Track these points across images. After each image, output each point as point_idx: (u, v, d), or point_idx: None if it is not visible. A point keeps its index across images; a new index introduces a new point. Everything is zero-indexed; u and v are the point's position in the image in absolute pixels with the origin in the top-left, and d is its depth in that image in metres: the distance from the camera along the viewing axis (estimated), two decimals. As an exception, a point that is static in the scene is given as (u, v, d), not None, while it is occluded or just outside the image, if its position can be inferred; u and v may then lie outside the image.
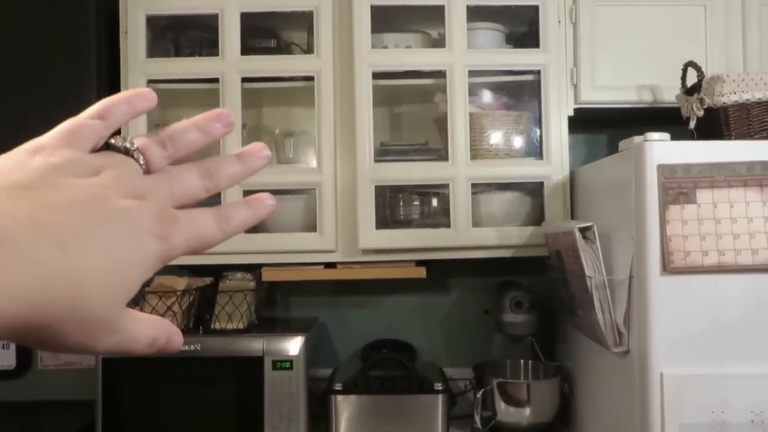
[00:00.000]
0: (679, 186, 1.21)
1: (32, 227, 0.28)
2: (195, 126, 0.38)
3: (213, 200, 0.36)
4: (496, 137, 1.68)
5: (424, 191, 1.73)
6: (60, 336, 0.29)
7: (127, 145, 0.35)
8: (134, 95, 0.38)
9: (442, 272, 1.94)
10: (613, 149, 1.97)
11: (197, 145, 0.38)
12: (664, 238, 1.20)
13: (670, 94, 1.62)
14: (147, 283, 1.68)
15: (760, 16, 1.67)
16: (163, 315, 1.57)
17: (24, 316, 0.28)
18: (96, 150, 0.35)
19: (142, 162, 0.35)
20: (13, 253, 0.27)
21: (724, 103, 1.38)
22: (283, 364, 1.52)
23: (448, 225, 1.63)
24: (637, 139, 1.28)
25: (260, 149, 0.40)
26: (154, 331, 0.34)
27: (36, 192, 0.30)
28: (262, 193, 0.39)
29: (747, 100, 1.38)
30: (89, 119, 0.35)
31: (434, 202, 1.73)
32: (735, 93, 1.38)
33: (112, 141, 0.35)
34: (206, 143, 0.38)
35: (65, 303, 0.29)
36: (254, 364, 1.51)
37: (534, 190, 1.68)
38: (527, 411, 1.57)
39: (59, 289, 0.28)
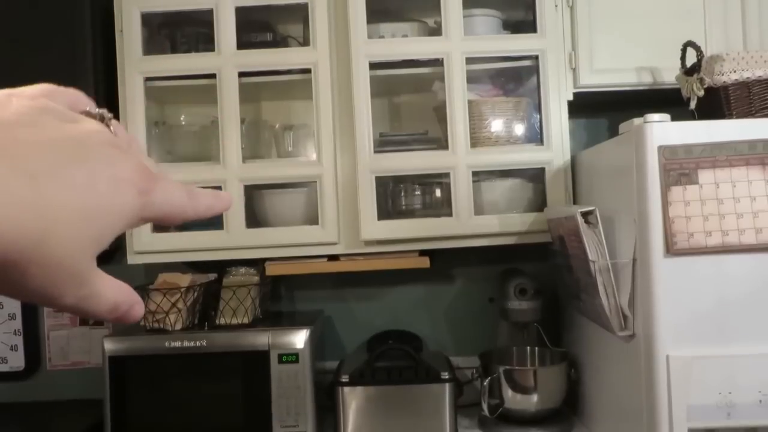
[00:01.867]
0: (681, 167, 1.21)
1: (3, 156, 0.27)
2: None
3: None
4: (495, 124, 1.67)
5: (425, 181, 1.73)
6: (23, 276, 0.28)
7: (105, 116, 0.34)
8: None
9: (445, 262, 1.94)
10: (613, 133, 1.95)
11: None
12: (666, 220, 1.20)
13: (669, 75, 1.60)
14: (150, 281, 1.68)
15: (760, -7, 1.66)
16: (167, 312, 1.57)
17: None
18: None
19: (115, 133, 0.34)
20: None
21: (724, 82, 1.37)
22: (289, 357, 1.52)
23: (450, 214, 1.62)
24: (637, 120, 1.27)
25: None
26: (119, 295, 0.33)
27: (14, 128, 0.29)
28: (227, 194, 0.40)
29: (747, 78, 1.36)
30: (58, 86, 0.35)
31: (436, 191, 1.72)
32: (735, 71, 1.37)
33: (88, 109, 0.34)
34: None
35: (31, 238, 0.27)
36: (260, 358, 1.52)
37: (535, 176, 1.68)
38: (534, 397, 1.56)
39: (25, 222, 0.27)
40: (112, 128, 0.34)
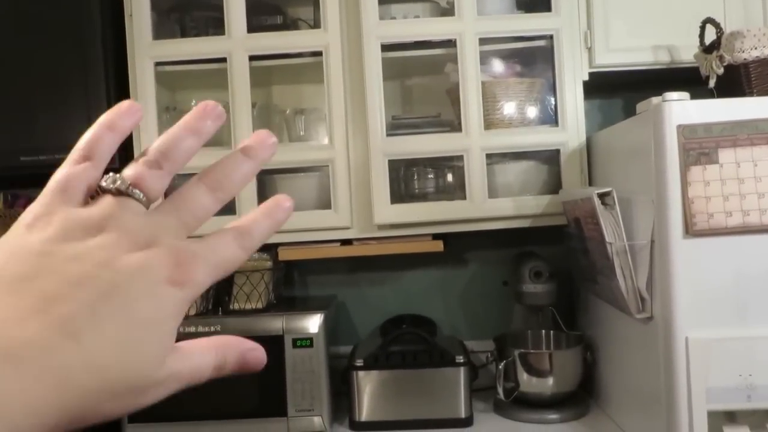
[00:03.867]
0: (700, 146, 1.18)
1: (43, 329, 0.27)
2: (185, 131, 0.35)
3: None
4: (509, 106, 1.65)
5: (438, 164, 1.71)
6: (100, 415, 0.29)
7: (119, 185, 0.32)
8: (115, 116, 0.35)
9: (459, 245, 1.93)
10: (629, 113, 1.92)
11: (194, 151, 0.35)
12: (685, 201, 1.18)
13: (687, 53, 1.57)
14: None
15: (780, -33, 1.61)
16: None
17: (56, 423, 0.27)
18: (92, 193, 0.33)
19: (140, 197, 0.32)
20: (31, 366, 0.26)
21: (744, 59, 1.34)
22: (304, 342, 1.52)
23: (463, 197, 1.61)
24: (655, 99, 1.24)
25: (266, 138, 0.37)
26: (215, 357, 0.33)
27: (37, 282, 0.28)
28: (278, 196, 0.36)
29: (769, 55, 1.33)
30: (75, 165, 0.33)
31: (449, 174, 1.71)
32: (756, 48, 1.33)
33: (103, 184, 0.32)
34: (202, 144, 0.35)
35: (93, 394, 0.28)
36: (275, 342, 1.51)
37: (550, 158, 1.65)
38: (550, 381, 1.56)
39: (84, 384, 0.27)
40: (134, 193, 0.32)
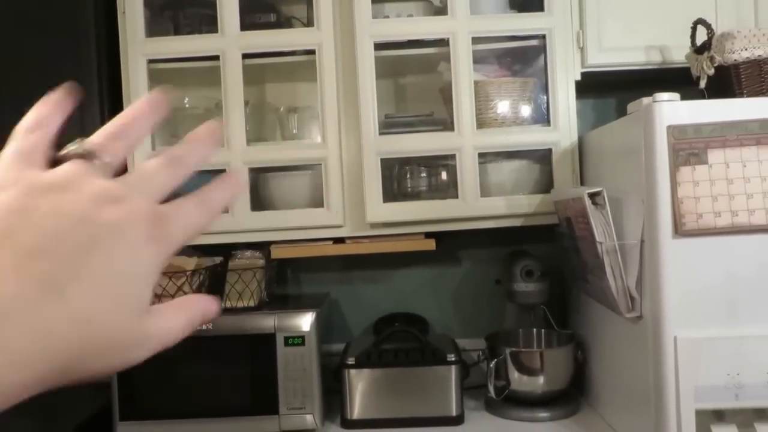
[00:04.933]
0: (690, 147, 1.19)
1: (24, 284, 0.27)
2: (137, 114, 0.37)
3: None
4: (502, 105, 1.65)
5: (431, 163, 1.72)
6: (86, 371, 0.29)
7: (85, 148, 0.33)
8: (61, 95, 0.37)
9: (452, 244, 1.93)
10: (621, 113, 1.92)
11: (146, 133, 0.37)
12: (675, 201, 1.18)
13: (679, 53, 1.58)
14: (157, 265, 1.68)
15: (772, -32, 1.62)
16: (173, 296, 1.57)
17: (42, 376, 0.27)
18: (53, 162, 0.33)
19: (105, 159, 0.34)
20: (16, 320, 0.26)
21: (735, 60, 1.35)
22: (295, 340, 1.52)
23: (456, 196, 1.61)
24: (646, 100, 1.25)
25: (211, 131, 0.39)
26: (185, 316, 0.34)
27: (13, 237, 0.28)
28: (232, 171, 0.40)
29: (759, 56, 1.34)
30: (27, 133, 0.34)
31: (442, 173, 1.71)
32: (746, 49, 1.34)
33: (66, 151, 0.34)
34: (152, 130, 0.38)
35: (79, 346, 0.28)
36: (266, 341, 1.52)
37: (542, 157, 1.66)
38: (541, 379, 1.56)
39: (68, 338, 0.28)
40: (99, 155, 0.33)
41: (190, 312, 0.35)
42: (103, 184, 0.32)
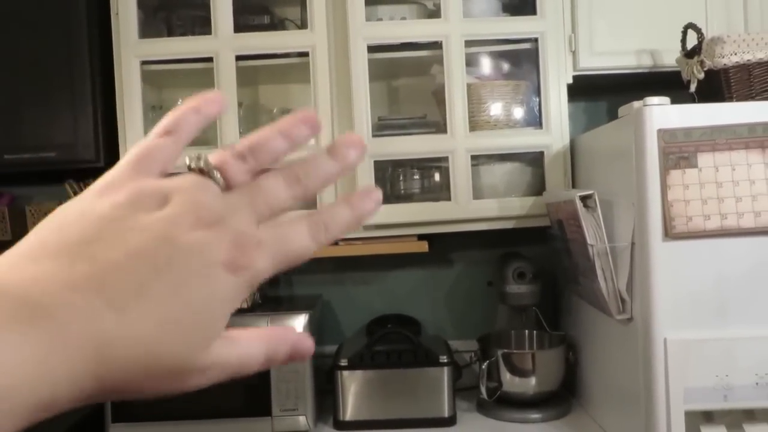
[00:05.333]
0: (680, 150, 1.20)
1: (89, 294, 0.27)
2: (278, 133, 0.34)
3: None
4: (494, 108, 1.66)
5: (423, 165, 1.72)
6: (136, 392, 0.29)
7: (202, 164, 0.32)
8: (202, 102, 0.35)
9: (444, 246, 1.94)
10: (613, 116, 1.94)
11: (282, 155, 0.34)
12: (665, 204, 1.19)
13: (670, 57, 1.59)
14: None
15: (761, -26, 1.64)
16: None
17: (89, 391, 0.27)
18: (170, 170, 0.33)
19: (218, 180, 0.32)
20: (68, 329, 0.26)
21: (724, 64, 1.36)
22: (288, 341, 1.52)
23: (448, 198, 1.62)
24: (637, 104, 1.26)
25: (355, 141, 0.35)
26: (264, 348, 0.32)
27: (96, 246, 0.28)
28: (367, 185, 0.36)
29: (748, 60, 1.35)
30: (157, 138, 0.33)
31: (434, 175, 1.72)
32: (736, 54, 1.35)
33: (186, 161, 0.32)
34: (292, 151, 0.35)
35: (130, 368, 0.27)
36: (259, 342, 1.52)
37: (534, 160, 1.67)
38: (533, 380, 1.57)
39: (121, 358, 0.27)
40: (215, 175, 0.32)
41: (273, 343, 0.33)
42: (204, 202, 0.31)
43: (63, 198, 1.86)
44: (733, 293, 1.20)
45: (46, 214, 1.36)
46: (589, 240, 1.30)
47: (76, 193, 1.86)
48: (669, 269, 1.20)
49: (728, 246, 1.19)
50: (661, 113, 1.21)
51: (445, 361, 1.58)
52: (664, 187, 1.20)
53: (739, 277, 1.19)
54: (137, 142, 0.34)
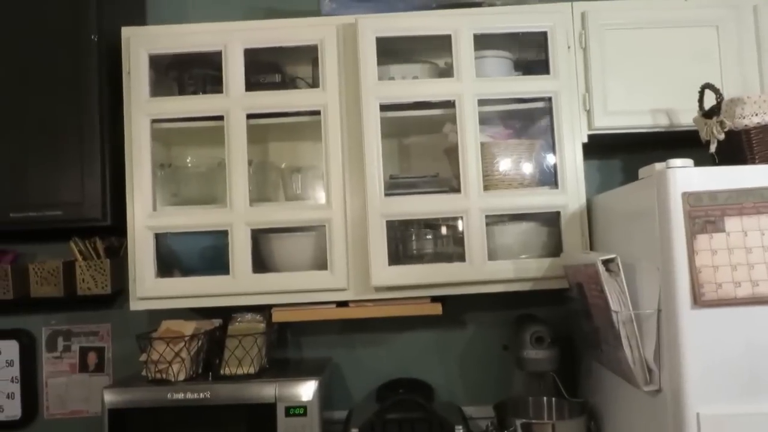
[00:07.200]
0: (706, 214, 1.16)
1: None
2: None
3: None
4: (508, 167, 1.63)
5: (435, 224, 1.69)
6: None
7: None
8: None
9: (456, 307, 1.88)
10: (628, 174, 1.92)
11: None
12: (693, 270, 1.15)
13: (686, 116, 1.57)
14: (155, 329, 1.62)
15: (775, 34, 1.64)
16: (171, 362, 1.51)
17: None
18: None
19: None
20: None
21: (746, 125, 1.34)
22: (297, 410, 1.45)
23: (462, 259, 1.57)
24: (659, 166, 1.23)
25: None
26: None
27: None
28: None
29: (770, 121, 1.33)
30: None
31: (447, 235, 1.68)
32: (757, 114, 1.33)
33: None
34: None
35: None
36: (266, 411, 1.45)
37: (550, 219, 1.63)
38: (553, 452, 1.49)
39: None
40: None
41: None
42: None
43: (67, 255, 1.83)
44: (767, 364, 1.13)
45: (49, 272, 1.32)
46: (613, 306, 1.25)
47: (80, 251, 1.84)
48: (699, 338, 1.14)
49: (761, 314, 1.14)
50: (684, 175, 1.17)
51: (461, 430, 1.51)
52: (691, 252, 1.15)
53: (774, 347, 1.13)
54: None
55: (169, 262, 1.67)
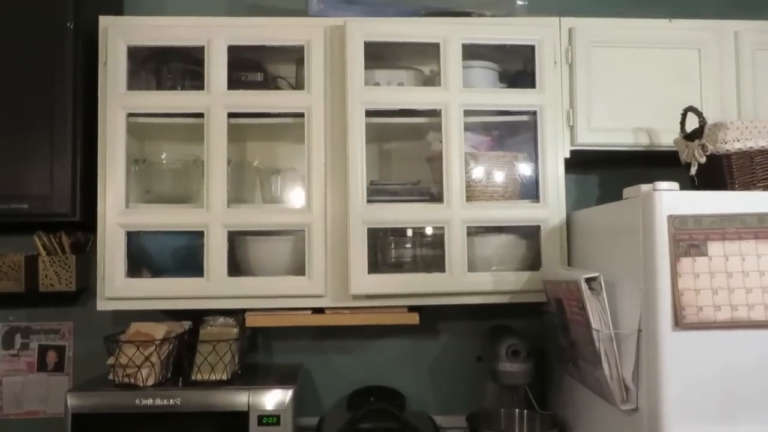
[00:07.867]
0: (690, 237, 1.17)
1: None
2: None
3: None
4: (491, 178, 1.63)
5: (417, 233, 1.67)
6: None
7: None
8: None
9: (431, 315, 1.87)
10: (605, 190, 1.94)
11: None
12: (675, 292, 1.16)
13: (666, 136, 1.60)
14: (123, 331, 1.57)
15: (754, 59, 1.67)
16: (140, 366, 1.46)
17: None
18: None
19: None
20: None
21: (727, 150, 1.36)
22: (270, 419, 1.42)
23: (442, 269, 1.56)
24: (645, 187, 1.23)
25: None
26: None
27: None
28: None
29: (750, 147, 1.35)
30: None
31: (428, 244, 1.66)
32: (738, 140, 1.36)
33: None
34: None
35: None
36: (238, 419, 1.41)
37: (530, 232, 1.64)
38: (525, 466, 1.49)
39: None
40: None
41: None
42: None
43: (30, 249, 1.75)
44: (745, 388, 1.16)
45: (9, 266, 1.25)
46: (594, 325, 1.25)
47: (44, 246, 1.76)
48: (678, 360, 1.16)
49: (739, 338, 1.16)
50: (671, 199, 1.19)
51: (434, 442, 1.50)
52: (674, 275, 1.16)
53: (750, 370, 1.16)
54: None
55: (138, 261, 1.61)
